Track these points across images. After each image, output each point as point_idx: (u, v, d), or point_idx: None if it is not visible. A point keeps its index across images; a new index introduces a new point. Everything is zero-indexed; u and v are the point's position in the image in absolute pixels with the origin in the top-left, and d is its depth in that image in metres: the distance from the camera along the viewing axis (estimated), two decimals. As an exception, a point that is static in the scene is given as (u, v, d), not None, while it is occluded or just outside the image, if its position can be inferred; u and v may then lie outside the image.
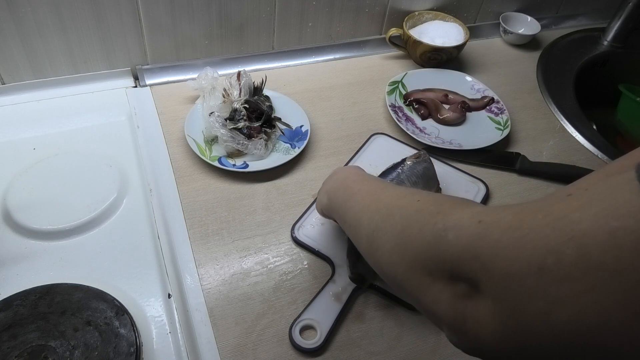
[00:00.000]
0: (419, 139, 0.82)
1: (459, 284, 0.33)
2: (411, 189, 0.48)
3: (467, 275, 0.32)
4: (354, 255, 0.62)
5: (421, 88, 0.93)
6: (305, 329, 0.59)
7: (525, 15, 1.11)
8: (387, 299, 0.63)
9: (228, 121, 0.76)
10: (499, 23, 1.09)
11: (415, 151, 0.78)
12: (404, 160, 0.71)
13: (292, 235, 0.68)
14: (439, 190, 0.73)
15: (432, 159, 0.75)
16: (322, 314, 0.60)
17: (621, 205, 0.25)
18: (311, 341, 0.58)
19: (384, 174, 0.70)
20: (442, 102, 0.91)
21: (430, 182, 0.72)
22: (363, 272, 0.61)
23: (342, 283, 0.63)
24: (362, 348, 0.59)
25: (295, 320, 0.59)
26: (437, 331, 0.60)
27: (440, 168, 0.78)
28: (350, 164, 0.78)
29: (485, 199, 0.76)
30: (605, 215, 0.26)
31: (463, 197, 0.74)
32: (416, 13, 1.02)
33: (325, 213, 0.60)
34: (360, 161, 0.79)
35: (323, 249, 0.67)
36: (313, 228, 0.69)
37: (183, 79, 0.89)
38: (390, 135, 0.84)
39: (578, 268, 0.25)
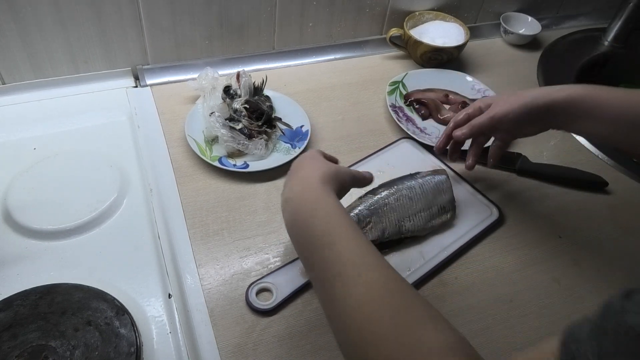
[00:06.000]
0: (420, 139, 0.82)
1: None
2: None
3: None
4: None
5: (422, 88, 0.93)
6: (262, 291, 0.62)
7: (525, 15, 1.11)
8: None
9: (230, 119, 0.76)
10: (500, 23, 1.09)
11: (437, 165, 0.78)
12: (418, 172, 0.73)
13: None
14: (453, 213, 0.71)
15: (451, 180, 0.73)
16: (284, 281, 0.62)
17: None
18: (265, 302, 0.60)
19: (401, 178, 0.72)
20: (443, 102, 0.91)
21: (440, 196, 0.70)
22: None
23: None
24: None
25: (254, 282, 0.62)
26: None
27: (456, 189, 0.75)
28: (369, 160, 0.79)
29: (497, 224, 0.73)
30: None
31: (473, 218, 0.71)
32: (417, 13, 1.02)
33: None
34: (380, 159, 0.79)
35: None
36: None
37: (183, 79, 0.89)
38: (419, 141, 0.82)
39: None
